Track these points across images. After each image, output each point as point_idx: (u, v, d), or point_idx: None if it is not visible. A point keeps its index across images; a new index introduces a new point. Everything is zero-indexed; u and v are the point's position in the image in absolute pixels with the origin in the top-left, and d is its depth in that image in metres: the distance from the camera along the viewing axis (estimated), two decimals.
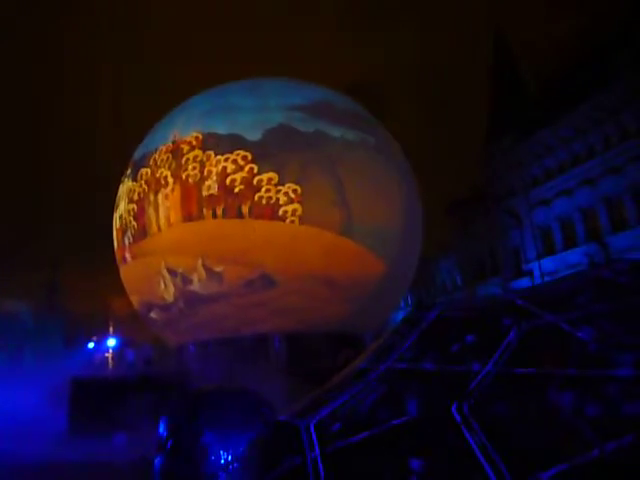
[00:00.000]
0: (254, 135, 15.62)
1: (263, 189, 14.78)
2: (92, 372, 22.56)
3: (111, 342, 23.35)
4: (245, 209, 14.86)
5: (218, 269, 15.29)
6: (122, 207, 18.43)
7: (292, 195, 14.72)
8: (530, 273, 26.89)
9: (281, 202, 14.69)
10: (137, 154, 18.73)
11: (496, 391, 1.81)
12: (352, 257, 15.46)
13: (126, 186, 18.45)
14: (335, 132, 16.17)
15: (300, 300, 15.02)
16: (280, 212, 14.69)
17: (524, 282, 26.73)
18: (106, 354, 23.32)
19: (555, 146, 26.51)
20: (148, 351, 23.64)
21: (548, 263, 26.15)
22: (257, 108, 16.32)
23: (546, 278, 25.06)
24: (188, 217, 15.64)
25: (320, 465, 1.68)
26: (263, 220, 14.71)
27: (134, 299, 19.55)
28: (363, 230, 15.49)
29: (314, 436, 1.90)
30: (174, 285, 16.23)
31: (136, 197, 17.45)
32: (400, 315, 27.47)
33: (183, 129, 16.80)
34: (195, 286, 15.65)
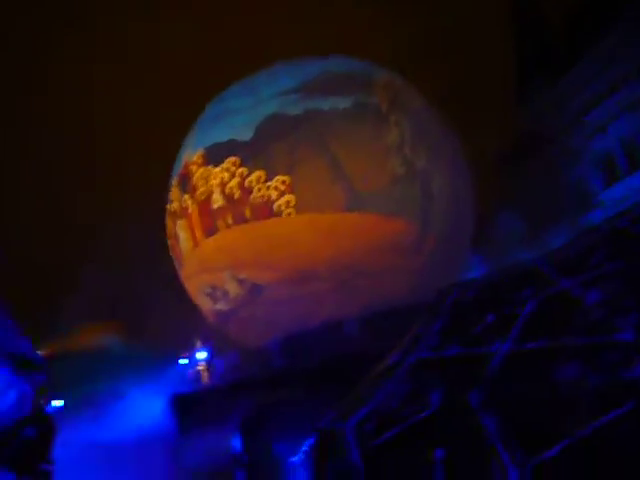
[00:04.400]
0: (246, 135, 13.94)
1: (255, 189, 13.06)
2: (188, 387, 21.88)
3: (201, 355, 22.52)
4: (248, 213, 13.22)
5: (242, 276, 13.77)
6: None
7: (282, 187, 12.86)
8: (600, 204, 22.50)
9: (273, 197, 12.84)
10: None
11: (509, 372, 2.01)
12: (368, 229, 12.93)
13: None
14: (325, 105, 13.88)
15: (328, 289, 12.92)
16: (275, 208, 12.84)
17: (596, 215, 22.42)
18: (198, 367, 22.63)
19: (597, 74, 21.90)
20: (234, 358, 22.67)
21: (615, 191, 21.67)
22: (252, 105, 14.54)
23: (616, 207, 20.75)
24: (206, 233, 14.29)
25: (360, 464, 2.02)
26: (264, 220, 12.93)
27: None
28: (373, 197, 13.02)
29: (352, 438, 2.28)
30: (213, 300, 15.02)
31: (169, 232, 16.54)
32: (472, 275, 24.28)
33: (192, 151, 15.49)
34: (230, 297, 14.24)
